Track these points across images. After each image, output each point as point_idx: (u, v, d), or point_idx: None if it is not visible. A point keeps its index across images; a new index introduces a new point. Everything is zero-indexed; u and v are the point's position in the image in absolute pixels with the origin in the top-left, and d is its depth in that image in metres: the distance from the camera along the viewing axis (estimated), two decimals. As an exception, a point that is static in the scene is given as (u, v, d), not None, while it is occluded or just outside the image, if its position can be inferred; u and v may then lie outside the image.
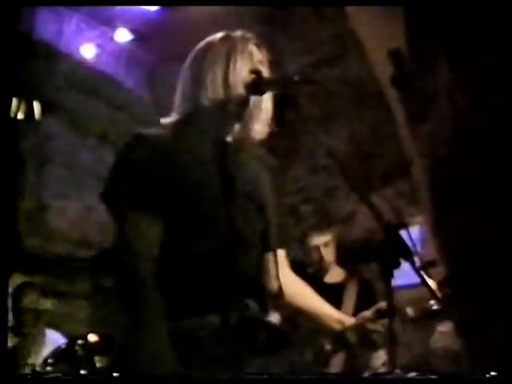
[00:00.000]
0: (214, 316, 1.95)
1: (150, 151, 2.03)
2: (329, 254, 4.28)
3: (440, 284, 1.57)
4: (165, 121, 2.17)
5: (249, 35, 2.21)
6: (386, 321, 2.53)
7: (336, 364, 3.65)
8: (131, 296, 1.95)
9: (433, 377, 1.65)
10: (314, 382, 1.89)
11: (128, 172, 2.03)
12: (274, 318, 2.05)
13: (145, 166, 2.01)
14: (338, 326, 2.48)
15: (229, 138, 2.11)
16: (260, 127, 2.14)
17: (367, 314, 2.64)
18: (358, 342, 2.58)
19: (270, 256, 2.14)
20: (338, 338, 2.55)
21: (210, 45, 2.18)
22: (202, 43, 2.22)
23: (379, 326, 2.55)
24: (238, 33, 2.22)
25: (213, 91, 2.08)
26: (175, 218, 2.00)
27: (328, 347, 2.64)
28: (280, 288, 2.13)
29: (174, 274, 1.99)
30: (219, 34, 2.22)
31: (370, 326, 2.56)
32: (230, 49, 2.13)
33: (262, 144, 2.20)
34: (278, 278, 2.13)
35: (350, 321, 2.50)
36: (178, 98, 2.18)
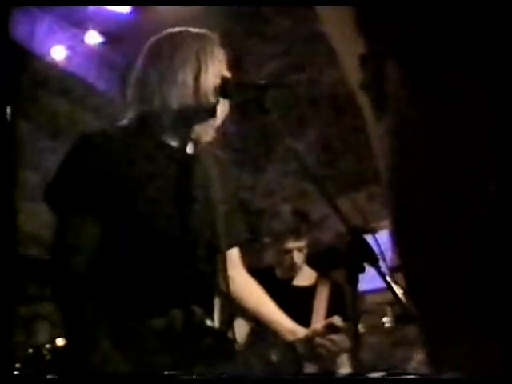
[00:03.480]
0: (160, 320, 1.93)
1: (97, 152, 2.00)
2: (300, 259, 4.21)
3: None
4: (122, 121, 2.13)
5: (211, 34, 2.17)
6: (337, 336, 2.49)
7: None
8: (71, 297, 1.94)
9: (412, 377, 1.65)
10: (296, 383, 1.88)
11: (72, 172, 2.01)
12: (240, 325, 2.03)
13: (91, 167, 1.99)
14: (289, 336, 2.42)
15: (186, 142, 2.10)
16: (207, 131, 2.11)
17: (318, 326, 2.58)
18: (306, 355, 2.51)
19: (218, 259, 2.12)
20: (287, 348, 2.49)
21: (177, 40, 2.13)
22: (163, 35, 2.15)
23: (326, 341, 2.48)
24: (202, 31, 2.17)
25: (182, 95, 2.05)
26: (120, 220, 1.98)
27: (274, 358, 2.59)
28: (228, 292, 2.10)
29: (119, 276, 1.97)
30: (181, 29, 2.16)
31: (318, 339, 2.48)
32: (199, 50, 2.09)
33: (218, 145, 2.19)
34: (226, 281, 2.10)
35: (302, 332, 2.47)
36: (135, 91, 2.12)
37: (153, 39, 2.17)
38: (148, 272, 1.98)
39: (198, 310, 1.97)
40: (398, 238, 1.06)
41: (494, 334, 0.87)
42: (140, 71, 2.13)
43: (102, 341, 1.87)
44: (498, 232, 0.86)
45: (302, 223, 4.25)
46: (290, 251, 4.15)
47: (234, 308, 2.24)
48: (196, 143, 2.13)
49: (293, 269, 4.19)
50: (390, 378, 1.61)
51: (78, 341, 1.93)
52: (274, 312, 2.42)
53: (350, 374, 2.21)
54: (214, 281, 2.09)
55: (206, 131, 2.11)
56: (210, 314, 1.99)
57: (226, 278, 2.10)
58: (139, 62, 2.15)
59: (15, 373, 4.01)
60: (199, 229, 2.04)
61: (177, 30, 2.17)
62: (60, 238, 2.02)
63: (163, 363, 1.92)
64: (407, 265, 1.02)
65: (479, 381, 0.88)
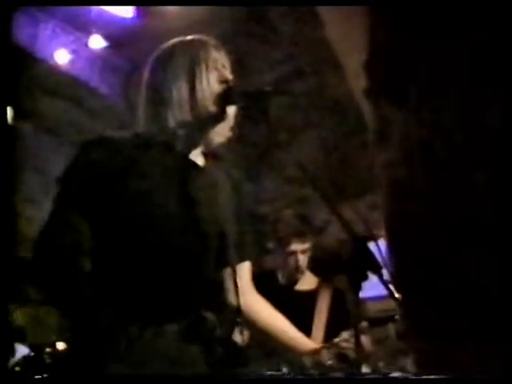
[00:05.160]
0: (172, 326, 1.91)
1: (110, 156, 1.97)
2: (305, 262, 4.22)
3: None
4: (131, 131, 2.10)
5: (206, 38, 2.11)
6: (363, 338, 2.48)
7: None
8: (74, 302, 1.92)
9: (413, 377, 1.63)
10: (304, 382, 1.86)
11: (81, 170, 1.98)
12: (238, 336, 2.01)
13: (102, 169, 1.96)
14: (300, 349, 2.36)
15: (192, 153, 2.07)
16: (220, 132, 2.07)
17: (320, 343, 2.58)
18: (314, 367, 2.49)
19: (228, 272, 2.09)
20: (295, 360, 2.46)
21: (169, 55, 2.07)
22: (158, 52, 2.09)
23: (352, 344, 2.48)
24: (196, 37, 2.11)
25: (179, 113, 1.99)
26: (126, 227, 1.96)
27: (285, 370, 2.57)
28: (238, 304, 2.08)
29: (130, 282, 1.95)
30: (175, 41, 2.11)
31: (344, 344, 2.47)
32: (191, 60, 2.03)
33: (227, 152, 2.15)
34: (236, 294, 2.08)
35: (311, 345, 2.43)
36: (140, 115, 2.08)
37: (152, 56, 2.12)
38: (156, 280, 1.96)
39: (210, 317, 1.95)
40: (393, 246, 1.07)
41: (493, 335, 0.87)
42: (143, 91, 2.09)
43: (113, 348, 1.86)
44: (495, 238, 0.86)
45: (305, 226, 4.26)
46: (294, 253, 4.16)
47: (244, 320, 2.22)
48: (207, 146, 2.10)
49: (298, 272, 4.20)
50: (388, 377, 1.60)
51: (85, 349, 1.91)
52: (286, 327, 2.38)
53: (351, 374, 2.19)
54: (222, 291, 2.07)
55: (218, 133, 2.08)
56: (221, 323, 1.97)
57: (235, 290, 2.08)
58: (143, 81, 2.12)
59: (15, 376, 4.00)
60: (207, 238, 2.02)
61: (171, 42, 2.12)
62: (61, 237, 1.99)
63: (172, 371, 1.90)
64: (402, 269, 1.02)
65: (479, 381, 0.88)
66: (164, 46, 2.09)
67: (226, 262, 2.08)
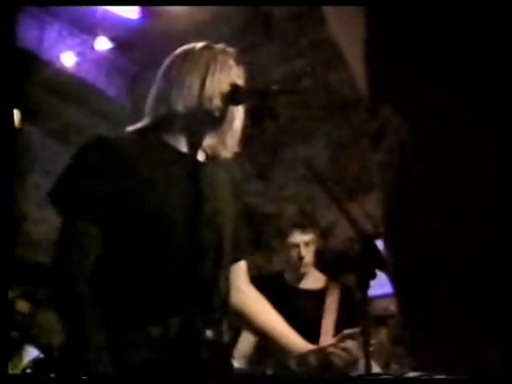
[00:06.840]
0: (155, 328, 1.91)
1: (107, 156, 2.00)
2: (309, 255, 4.20)
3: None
4: (134, 126, 2.16)
5: (230, 49, 2.22)
6: (350, 343, 2.47)
7: None
8: (68, 306, 1.93)
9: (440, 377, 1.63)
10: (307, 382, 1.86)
11: (79, 175, 2.01)
12: (245, 337, 2.01)
13: (99, 170, 1.99)
14: (296, 350, 2.36)
15: (198, 151, 2.10)
16: (228, 147, 2.15)
17: (330, 341, 2.56)
18: (319, 365, 2.48)
19: (222, 272, 2.10)
20: (301, 359, 2.45)
21: (190, 52, 2.18)
22: (179, 50, 2.21)
23: (340, 350, 2.46)
24: (220, 46, 2.22)
25: (188, 98, 2.07)
26: (122, 227, 1.97)
27: (293, 366, 2.56)
28: (228, 304, 2.10)
29: (116, 285, 1.96)
30: (200, 44, 2.22)
31: (331, 349, 2.45)
32: (209, 59, 2.14)
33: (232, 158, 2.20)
34: (231, 293, 2.10)
35: (308, 347, 2.39)
36: (151, 101, 2.16)
37: (174, 52, 2.22)
38: (149, 280, 1.97)
39: (198, 320, 1.93)
40: (390, 244, 1.07)
41: (491, 334, 0.87)
42: (156, 82, 2.18)
43: (96, 349, 1.86)
44: (499, 236, 0.86)
45: (306, 219, 4.28)
46: (297, 246, 4.16)
47: (240, 321, 2.23)
48: (213, 158, 2.15)
49: (301, 265, 4.18)
50: (391, 377, 1.61)
51: (77, 346, 1.92)
52: (283, 328, 2.38)
53: (360, 375, 2.19)
54: (217, 292, 2.07)
55: (226, 148, 2.14)
56: (210, 325, 1.97)
57: (230, 290, 2.10)
58: (158, 75, 2.21)
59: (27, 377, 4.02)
60: (205, 238, 2.02)
61: (194, 44, 2.23)
62: (63, 241, 2.01)
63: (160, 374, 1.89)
64: (400, 268, 1.03)
65: (478, 381, 0.88)
66: (188, 46, 2.19)
67: (221, 261, 2.09)
